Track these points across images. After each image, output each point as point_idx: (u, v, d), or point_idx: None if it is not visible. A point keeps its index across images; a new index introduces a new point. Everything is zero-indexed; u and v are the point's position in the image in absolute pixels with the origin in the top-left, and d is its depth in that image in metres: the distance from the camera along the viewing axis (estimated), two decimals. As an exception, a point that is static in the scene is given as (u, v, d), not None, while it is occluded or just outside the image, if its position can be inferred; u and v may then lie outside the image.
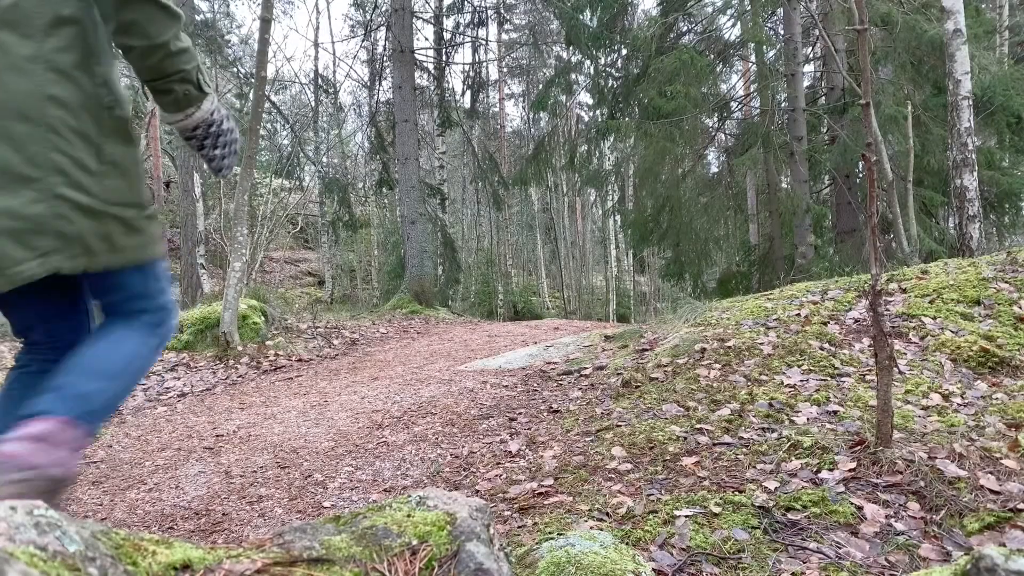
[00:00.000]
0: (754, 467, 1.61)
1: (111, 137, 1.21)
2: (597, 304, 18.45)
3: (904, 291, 2.74)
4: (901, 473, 1.46)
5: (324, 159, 15.06)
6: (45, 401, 1.13)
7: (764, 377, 2.17)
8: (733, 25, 9.86)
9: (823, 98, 9.52)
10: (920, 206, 7.37)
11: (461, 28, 11.80)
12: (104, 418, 1.24)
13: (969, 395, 1.95)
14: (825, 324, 2.55)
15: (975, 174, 5.63)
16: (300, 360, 4.41)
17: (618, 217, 13.44)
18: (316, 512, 1.74)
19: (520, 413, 2.32)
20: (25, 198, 1.13)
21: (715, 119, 10.30)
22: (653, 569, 1.16)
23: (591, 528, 1.36)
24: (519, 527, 1.45)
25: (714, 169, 11.70)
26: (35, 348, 1.32)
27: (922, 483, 1.42)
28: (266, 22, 4.66)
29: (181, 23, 1.19)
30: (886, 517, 1.34)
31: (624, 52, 9.70)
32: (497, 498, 1.63)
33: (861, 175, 8.31)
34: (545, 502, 1.56)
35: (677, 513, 1.40)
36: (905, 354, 2.26)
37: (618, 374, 2.48)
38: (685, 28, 10.00)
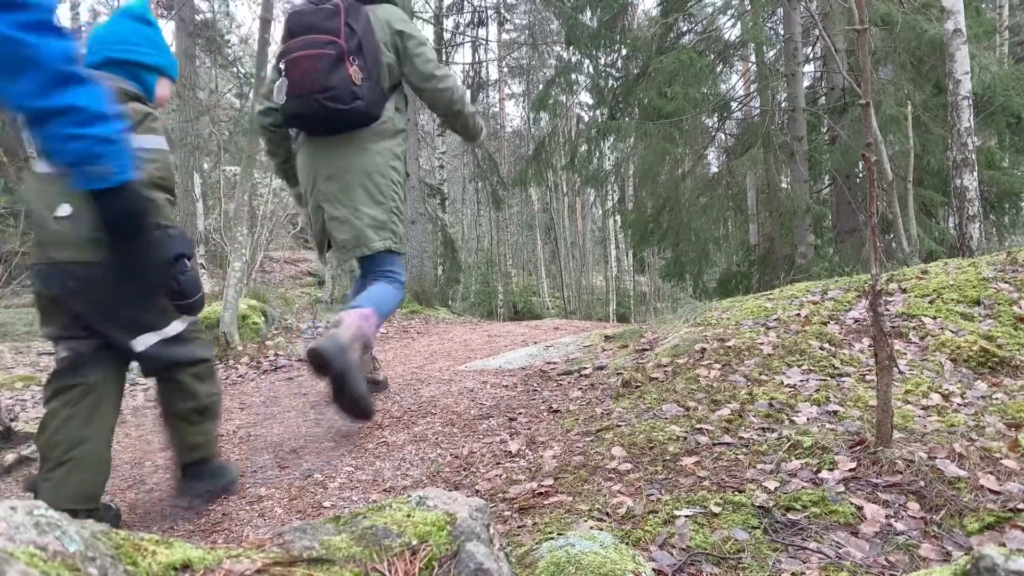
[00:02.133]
0: (754, 467, 1.60)
1: (405, 186, 2.55)
2: (597, 304, 18.44)
3: (904, 291, 2.74)
4: (901, 473, 1.46)
5: (324, 159, 15.01)
6: (361, 300, 2.32)
7: (764, 377, 2.17)
8: (733, 25, 9.86)
9: (823, 98, 9.51)
10: (920, 206, 7.37)
11: (461, 28, 11.81)
12: (382, 321, 2.41)
13: (969, 395, 1.95)
14: (825, 324, 2.55)
15: (975, 174, 5.63)
16: (300, 360, 4.41)
17: (618, 217, 13.43)
18: (316, 512, 1.74)
19: (520, 413, 2.32)
20: (379, 211, 2.41)
21: (715, 119, 10.30)
22: (653, 569, 1.16)
23: (591, 528, 1.36)
24: (519, 527, 1.45)
25: (714, 169, 11.70)
26: (363, 278, 2.54)
27: (922, 483, 1.42)
28: (266, 22, 4.66)
29: (460, 91, 2.57)
30: (886, 517, 1.34)
31: (624, 52, 9.69)
32: (497, 498, 1.63)
33: (861, 175, 8.30)
34: (545, 502, 1.56)
35: (677, 513, 1.40)
36: (905, 354, 2.26)
37: (618, 374, 2.48)
38: (685, 28, 9.99)
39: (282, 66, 2.32)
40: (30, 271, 1.81)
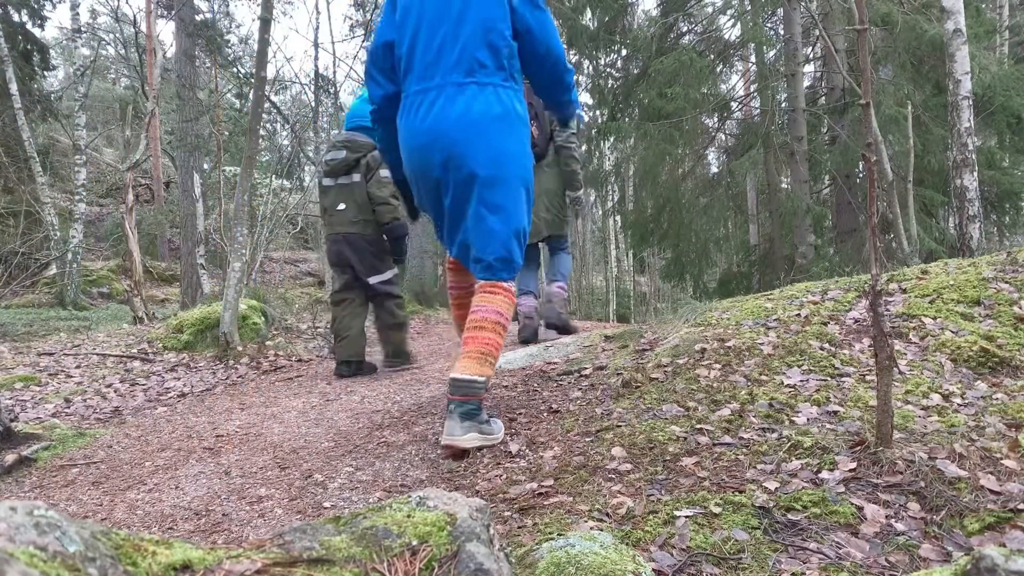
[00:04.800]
0: (754, 467, 1.61)
1: (564, 194, 4.29)
2: (597, 304, 18.44)
3: (904, 291, 2.74)
4: (901, 473, 1.46)
5: (324, 159, 15.02)
6: (555, 275, 4.30)
7: (764, 377, 2.17)
8: (733, 25, 9.86)
9: (823, 98, 9.51)
10: (920, 206, 7.37)
11: (461, 28, 11.75)
12: (568, 278, 4.42)
13: (969, 395, 1.95)
14: (825, 324, 2.55)
15: (975, 174, 5.63)
16: (300, 360, 4.41)
17: (618, 217, 13.43)
18: (316, 512, 1.74)
19: (520, 413, 2.32)
20: (552, 214, 4.17)
21: (715, 119, 10.30)
22: (653, 569, 1.16)
23: (591, 528, 1.36)
24: (519, 527, 1.45)
25: (714, 169, 11.70)
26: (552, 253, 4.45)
27: (922, 483, 1.42)
28: (266, 22, 4.66)
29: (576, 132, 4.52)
30: (886, 517, 1.34)
31: (624, 53, 9.70)
32: (497, 498, 1.63)
33: (861, 175, 8.31)
34: (545, 502, 1.56)
35: (677, 513, 1.40)
36: (905, 354, 2.26)
37: (618, 374, 2.48)
38: (685, 28, 10.00)
39: None
40: (326, 240, 3.72)
